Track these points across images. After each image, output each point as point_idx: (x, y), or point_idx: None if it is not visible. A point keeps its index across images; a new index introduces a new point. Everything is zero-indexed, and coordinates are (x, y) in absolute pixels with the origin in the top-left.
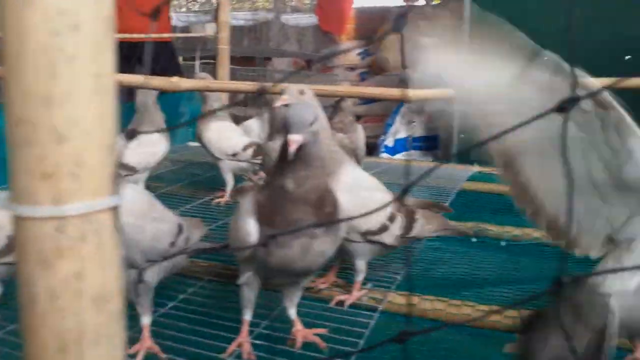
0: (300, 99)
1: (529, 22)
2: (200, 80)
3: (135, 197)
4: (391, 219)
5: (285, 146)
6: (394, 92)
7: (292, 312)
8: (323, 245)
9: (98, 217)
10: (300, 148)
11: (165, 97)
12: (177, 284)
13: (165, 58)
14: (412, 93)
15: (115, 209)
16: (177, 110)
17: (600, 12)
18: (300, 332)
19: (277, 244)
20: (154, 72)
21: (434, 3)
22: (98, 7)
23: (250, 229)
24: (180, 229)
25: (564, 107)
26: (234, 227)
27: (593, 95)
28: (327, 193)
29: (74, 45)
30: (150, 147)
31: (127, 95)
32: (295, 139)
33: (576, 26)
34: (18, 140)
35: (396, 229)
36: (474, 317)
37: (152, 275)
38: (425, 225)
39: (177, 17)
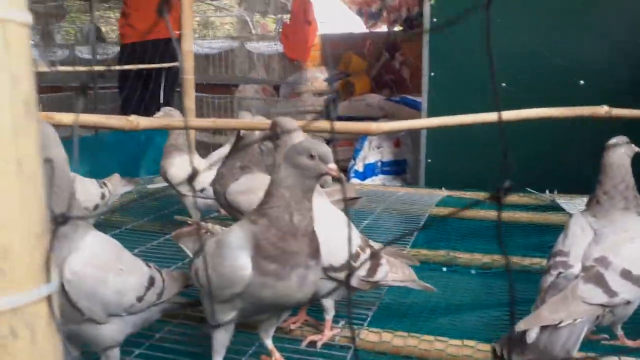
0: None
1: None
2: (161, 119)
3: (98, 246)
4: (355, 257)
5: (294, 181)
6: (360, 126)
7: (269, 342)
8: (314, 277)
9: (29, 309)
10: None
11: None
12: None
13: (168, 56)
14: (375, 126)
15: (50, 298)
16: (146, 142)
17: (554, 38)
18: None
19: (277, 277)
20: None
21: (396, 29)
22: (15, 92)
23: (246, 262)
24: (151, 282)
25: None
26: (221, 264)
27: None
28: (313, 225)
29: None
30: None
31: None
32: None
33: (534, 52)
34: None
35: (361, 269)
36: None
37: (116, 331)
38: (390, 273)
39: None
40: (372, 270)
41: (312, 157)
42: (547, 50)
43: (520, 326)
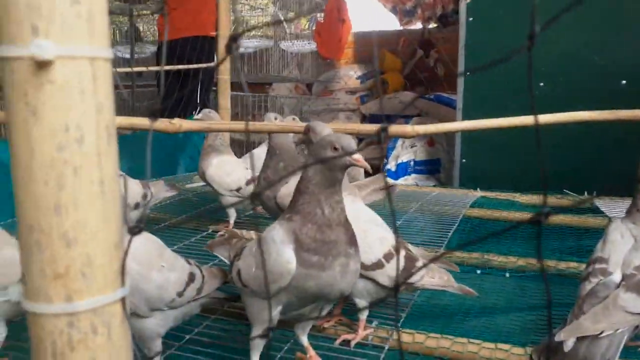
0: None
1: (523, 43)
2: (202, 122)
3: (142, 244)
4: (388, 257)
5: (320, 177)
6: (396, 129)
7: (304, 339)
8: (355, 265)
9: (107, 309)
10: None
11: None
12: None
13: (206, 54)
14: (411, 129)
15: (123, 300)
16: (183, 140)
17: (595, 37)
18: (314, 358)
19: (320, 267)
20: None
21: (431, 27)
22: (100, 118)
23: (290, 256)
24: (191, 278)
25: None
26: (266, 260)
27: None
28: (345, 214)
29: (79, 156)
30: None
31: None
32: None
33: (572, 53)
34: (30, 244)
35: (392, 269)
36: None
37: (158, 324)
38: (426, 277)
39: None
40: (407, 272)
41: (335, 149)
42: (587, 49)
43: (561, 336)
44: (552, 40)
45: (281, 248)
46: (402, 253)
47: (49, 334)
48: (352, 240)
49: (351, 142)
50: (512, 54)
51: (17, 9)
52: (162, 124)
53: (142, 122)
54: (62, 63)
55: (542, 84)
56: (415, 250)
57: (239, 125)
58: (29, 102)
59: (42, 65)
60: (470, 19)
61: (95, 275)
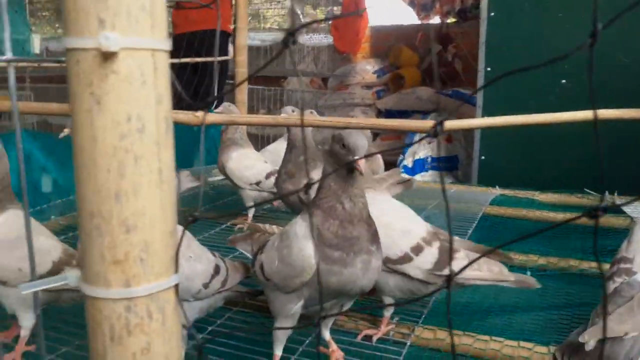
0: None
1: (547, 40)
2: (224, 116)
3: None
4: (416, 250)
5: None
6: (425, 123)
7: (327, 334)
8: (377, 262)
9: (162, 295)
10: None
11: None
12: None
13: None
14: (448, 124)
15: (176, 287)
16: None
17: (619, 34)
18: (336, 353)
19: (342, 264)
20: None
21: (449, 21)
22: (159, 108)
23: (312, 252)
24: (217, 270)
25: (595, 214)
26: (289, 254)
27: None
28: (368, 210)
29: (140, 146)
30: None
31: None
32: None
33: (596, 51)
34: (91, 230)
35: (423, 262)
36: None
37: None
38: (472, 270)
39: None
40: (441, 264)
41: (343, 146)
42: (611, 47)
43: (585, 337)
44: (575, 38)
45: (303, 243)
46: (436, 244)
47: (107, 317)
48: (375, 237)
49: (358, 142)
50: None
51: (86, 3)
52: (186, 116)
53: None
54: (126, 55)
55: (564, 81)
56: (461, 242)
57: (263, 118)
58: (93, 92)
59: (107, 57)
60: (492, 13)
61: (152, 262)
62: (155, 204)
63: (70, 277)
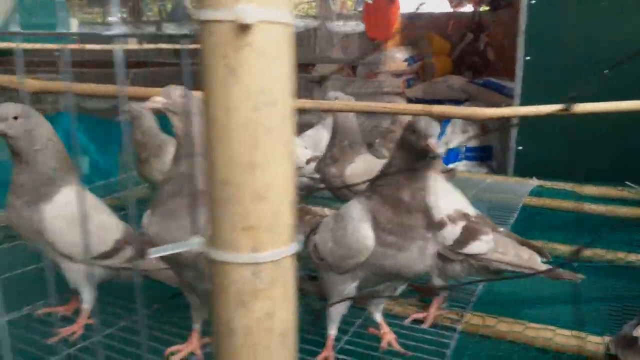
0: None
1: (587, 27)
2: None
3: None
4: (439, 225)
5: (401, 160)
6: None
7: (378, 316)
8: (433, 249)
9: (285, 262)
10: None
11: None
12: None
13: None
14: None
15: (294, 255)
16: None
17: None
18: (388, 335)
19: (398, 248)
20: None
21: (481, 9)
22: (287, 85)
23: (368, 233)
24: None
25: None
26: (344, 236)
27: None
28: (426, 202)
29: (271, 118)
30: None
31: None
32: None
33: (637, 40)
34: (222, 198)
35: (444, 238)
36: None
37: None
38: (495, 252)
39: None
40: (463, 242)
41: (413, 132)
42: None
43: (639, 331)
44: (615, 27)
45: (359, 225)
46: (461, 223)
47: (234, 282)
48: (430, 225)
49: (429, 126)
50: None
51: None
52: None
53: None
54: (261, 27)
55: (605, 71)
56: (505, 233)
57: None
58: (228, 64)
59: (243, 29)
60: (533, 1)
61: (279, 230)
62: (283, 174)
63: (194, 243)
